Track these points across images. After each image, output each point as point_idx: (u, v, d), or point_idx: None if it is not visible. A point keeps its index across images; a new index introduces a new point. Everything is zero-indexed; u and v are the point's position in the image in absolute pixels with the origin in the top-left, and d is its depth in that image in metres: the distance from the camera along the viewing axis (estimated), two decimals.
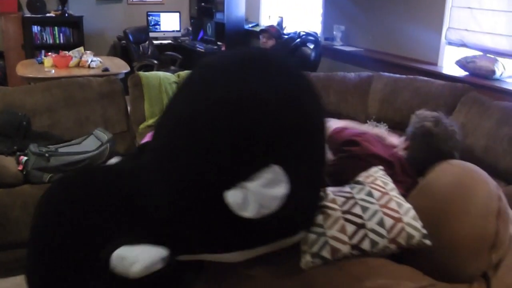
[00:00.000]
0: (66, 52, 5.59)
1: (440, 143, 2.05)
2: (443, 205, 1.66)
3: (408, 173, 2.02)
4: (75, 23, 7.07)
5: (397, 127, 3.39)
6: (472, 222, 1.58)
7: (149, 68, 6.06)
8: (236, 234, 1.38)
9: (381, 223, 1.60)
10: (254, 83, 1.34)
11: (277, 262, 1.66)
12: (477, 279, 1.58)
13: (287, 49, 5.15)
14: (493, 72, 3.65)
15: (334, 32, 5.44)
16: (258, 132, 1.28)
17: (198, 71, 1.48)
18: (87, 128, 3.49)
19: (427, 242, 1.61)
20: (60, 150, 3.14)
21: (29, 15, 6.81)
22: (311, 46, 5.09)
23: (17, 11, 6.78)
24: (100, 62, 5.47)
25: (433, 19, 4.34)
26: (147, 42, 7.02)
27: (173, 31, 7.83)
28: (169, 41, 7.71)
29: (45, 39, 7.00)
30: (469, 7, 4.02)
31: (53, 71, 5.14)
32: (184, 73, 4.22)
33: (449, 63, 4.26)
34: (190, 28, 8.05)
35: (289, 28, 6.27)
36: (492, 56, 3.79)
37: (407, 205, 1.69)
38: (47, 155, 3.00)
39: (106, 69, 5.25)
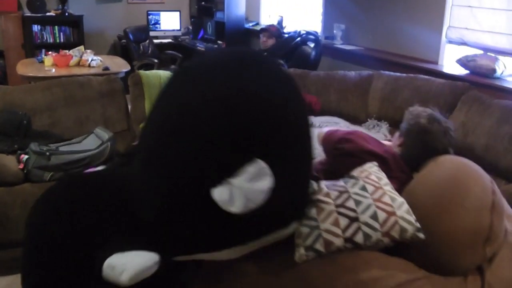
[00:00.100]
0: (66, 51, 5.59)
1: (435, 140, 2.05)
2: (437, 200, 1.66)
3: (402, 169, 2.02)
4: (75, 22, 7.07)
5: (397, 125, 3.37)
6: (466, 215, 1.59)
7: (149, 67, 6.06)
8: (227, 231, 1.39)
9: (374, 217, 1.61)
10: (235, 81, 1.36)
11: (272, 257, 1.67)
12: (471, 272, 1.60)
13: (287, 48, 5.16)
14: (494, 70, 3.65)
15: (335, 31, 5.44)
16: (241, 128, 1.30)
17: (179, 72, 1.50)
18: (87, 127, 3.49)
19: (421, 235, 1.62)
20: (61, 148, 3.14)
21: (29, 14, 6.81)
22: (312, 45, 5.09)
23: (17, 10, 6.78)
24: (101, 61, 5.47)
25: (433, 17, 4.33)
26: (147, 41, 7.02)
27: (173, 30, 7.83)
28: (169, 40, 7.71)
29: (45, 38, 7.00)
30: (469, 6, 4.02)
31: (53, 70, 5.14)
32: None
33: (450, 62, 4.26)
34: (190, 27, 8.05)
35: (289, 27, 6.26)
36: (492, 55, 3.79)
37: (400, 199, 1.70)
38: (47, 153, 3.00)
39: (106, 68, 5.25)
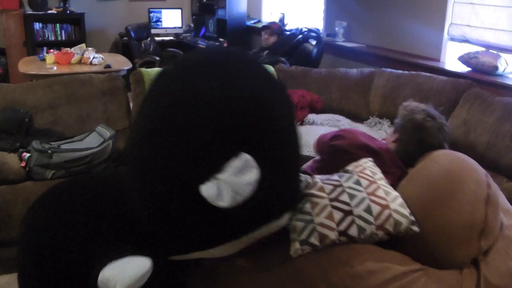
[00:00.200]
0: (68, 49, 5.59)
1: (430, 136, 2.05)
2: (432, 193, 1.67)
3: (397, 164, 2.02)
4: (77, 20, 7.07)
5: None
6: (461, 209, 1.60)
7: (151, 64, 6.06)
8: (220, 226, 1.40)
9: (368, 210, 1.62)
10: (217, 79, 1.38)
11: (268, 253, 1.69)
12: (467, 265, 1.60)
13: (289, 46, 5.15)
14: (496, 67, 3.64)
15: (336, 28, 5.43)
16: (224, 124, 1.32)
17: (162, 73, 1.51)
18: (89, 125, 3.49)
19: (415, 228, 1.62)
20: (63, 146, 3.14)
21: (30, 12, 6.81)
22: (313, 42, 5.08)
23: (19, 8, 6.78)
24: (102, 59, 5.47)
25: (435, 15, 4.32)
26: (148, 39, 7.02)
27: (175, 27, 7.83)
28: (171, 38, 7.71)
29: (46, 36, 7.00)
30: (471, 3, 4.01)
31: (55, 68, 5.14)
32: None
33: (452, 59, 4.25)
34: (192, 25, 8.05)
35: (291, 24, 6.26)
36: (494, 52, 3.78)
37: (394, 193, 1.71)
38: (49, 151, 3.00)
39: (108, 66, 5.25)
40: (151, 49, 6.95)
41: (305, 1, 6.33)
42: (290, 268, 1.61)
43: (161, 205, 1.39)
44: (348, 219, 1.61)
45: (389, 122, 3.61)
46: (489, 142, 2.88)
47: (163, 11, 7.73)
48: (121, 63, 5.58)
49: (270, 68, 4.21)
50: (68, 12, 7.01)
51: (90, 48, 5.67)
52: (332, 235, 1.59)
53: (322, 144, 2.12)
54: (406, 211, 1.64)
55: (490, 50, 3.83)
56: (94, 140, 3.22)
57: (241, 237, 1.47)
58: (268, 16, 7.01)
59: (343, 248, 1.60)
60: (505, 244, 1.62)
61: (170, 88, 1.43)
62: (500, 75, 3.68)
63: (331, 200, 1.65)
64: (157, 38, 7.32)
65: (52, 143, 3.18)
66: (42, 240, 1.58)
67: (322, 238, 1.59)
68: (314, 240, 1.59)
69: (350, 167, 1.83)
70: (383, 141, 2.31)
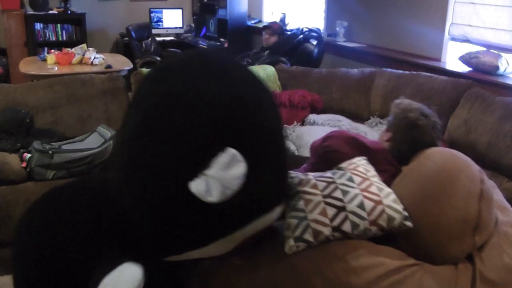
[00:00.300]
0: (69, 49, 5.60)
1: (424, 134, 2.04)
2: (426, 190, 1.68)
3: (390, 162, 2.02)
4: (78, 20, 7.08)
5: None
6: (454, 204, 1.60)
7: (151, 65, 6.05)
8: (211, 223, 1.42)
9: (361, 206, 1.63)
10: (203, 79, 1.42)
11: (263, 251, 1.71)
12: (462, 261, 1.61)
13: (289, 45, 5.15)
14: (497, 67, 3.64)
15: (337, 28, 5.43)
16: (209, 121, 1.35)
17: (148, 75, 1.54)
18: (89, 125, 3.50)
19: (408, 224, 1.63)
20: (64, 147, 3.14)
21: (31, 12, 6.82)
22: (314, 42, 5.08)
23: (20, 8, 6.78)
24: (103, 59, 5.48)
25: (436, 14, 4.32)
26: (149, 39, 7.02)
27: (176, 27, 7.83)
28: (172, 38, 7.71)
29: (47, 36, 7.00)
30: (472, 3, 4.01)
31: (55, 68, 5.14)
32: None
33: (452, 59, 4.25)
34: (193, 25, 8.05)
35: (292, 24, 6.25)
36: (495, 52, 3.78)
37: (387, 189, 1.72)
38: (50, 152, 3.01)
39: (108, 66, 5.25)
40: (152, 49, 6.95)
41: (306, 1, 6.33)
42: (285, 264, 1.62)
43: (151, 205, 1.40)
44: (342, 215, 1.62)
45: None
46: (489, 142, 2.88)
47: (164, 11, 7.73)
48: (122, 63, 5.59)
49: (271, 68, 4.21)
50: (69, 12, 7.01)
51: (91, 48, 5.68)
52: (326, 231, 1.60)
53: (316, 148, 2.13)
54: (399, 207, 1.65)
55: (491, 50, 3.83)
56: (95, 140, 3.22)
57: (233, 232, 1.48)
58: (269, 16, 7.01)
59: (337, 244, 1.61)
60: (500, 240, 1.63)
61: (155, 89, 1.45)
62: (501, 75, 3.68)
63: (324, 196, 1.66)
64: (158, 38, 7.32)
65: (53, 143, 3.18)
66: (40, 241, 1.59)
67: (316, 234, 1.60)
68: (308, 236, 1.60)
69: (343, 165, 1.84)
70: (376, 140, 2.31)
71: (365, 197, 1.65)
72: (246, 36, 7.00)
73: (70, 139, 3.31)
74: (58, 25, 7.02)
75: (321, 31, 5.45)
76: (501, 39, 3.81)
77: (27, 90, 3.51)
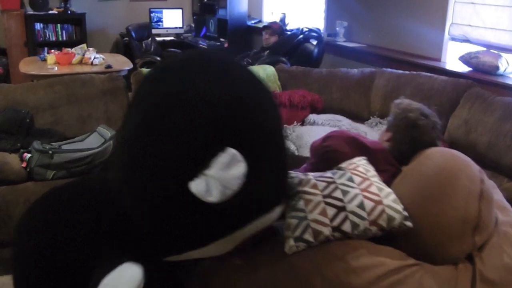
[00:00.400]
0: (69, 49, 5.60)
1: (424, 134, 2.04)
2: (426, 190, 1.68)
3: (391, 162, 2.02)
4: (78, 20, 7.07)
5: None
6: (454, 204, 1.60)
7: (151, 65, 6.05)
8: (212, 223, 1.42)
9: (361, 206, 1.63)
10: (202, 79, 1.42)
11: (264, 251, 1.71)
12: (462, 261, 1.61)
13: (289, 45, 5.15)
14: (497, 67, 3.64)
15: (337, 28, 5.43)
16: (209, 121, 1.35)
17: (148, 76, 1.55)
18: (89, 125, 3.50)
19: (408, 224, 1.63)
20: (64, 147, 3.14)
21: (31, 12, 6.81)
22: (314, 42, 5.08)
23: (20, 8, 6.78)
24: (103, 59, 5.48)
25: (436, 14, 4.32)
26: (149, 39, 7.02)
27: (176, 27, 7.83)
28: (172, 38, 7.71)
29: (47, 36, 7.00)
30: (472, 3, 4.01)
31: (55, 68, 5.14)
32: None
33: (452, 59, 4.25)
34: (193, 25, 8.05)
35: (292, 24, 6.25)
36: (495, 52, 3.78)
37: (387, 189, 1.72)
38: (50, 152, 3.01)
39: (108, 66, 5.25)
40: (152, 49, 6.95)
41: (306, 1, 6.33)
42: (285, 264, 1.62)
43: (151, 205, 1.40)
44: (342, 215, 1.62)
45: None
46: (490, 142, 2.88)
47: (164, 11, 7.73)
48: (122, 63, 5.59)
49: (271, 68, 4.21)
50: (69, 12, 7.01)
51: (91, 48, 5.67)
52: (326, 231, 1.60)
53: (316, 148, 2.13)
54: (399, 207, 1.65)
55: (491, 50, 3.83)
56: (95, 140, 3.22)
57: (233, 232, 1.48)
58: (269, 16, 7.01)
59: (338, 244, 1.61)
60: (500, 240, 1.63)
61: (155, 89, 1.45)
62: (501, 75, 3.68)
63: (324, 196, 1.66)
64: (158, 38, 7.32)
65: (53, 143, 3.18)
66: (40, 241, 1.59)
67: (316, 234, 1.60)
68: (308, 236, 1.60)
69: (343, 165, 1.84)
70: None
71: (365, 197, 1.65)
72: (246, 36, 7.00)
73: (70, 139, 3.31)
74: (58, 25, 7.01)
75: (321, 31, 5.45)
76: (501, 39, 3.81)
77: (27, 90, 3.51)
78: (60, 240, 1.57)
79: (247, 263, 1.70)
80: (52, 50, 5.72)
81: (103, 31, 7.55)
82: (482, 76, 3.68)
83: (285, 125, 3.67)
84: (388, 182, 1.80)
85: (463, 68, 3.94)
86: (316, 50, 5.02)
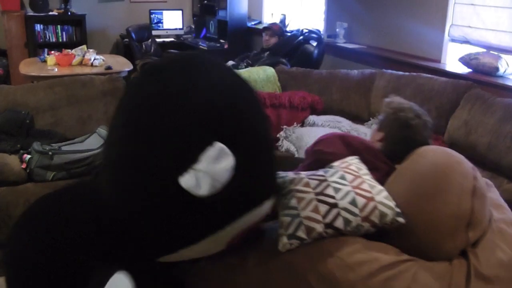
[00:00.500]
0: (69, 50, 5.60)
1: (417, 134, 2.05)
2: (419, 187, 1.68)
3: (383, 160, 2.03)
4: (78, 21, 7.08)
5: None
6: (447, 200, 1.61)
7: None
8: (202, 217, 1.44)
9: (353, 202, 1.64)
10: (189, 78, 1.47)
11: (259, 249, 1.73)
12: (456, 257, 1.61)
13: (290, 47, 5.15)
14: (497, 68, 3.64)
15: (337, 29, 5.44)
16: (197, 118, 1.39)
17: (136, 77, 1.61)
18: (89, 126, 3.50)
19: (401, 220, 1.64)
20: (63, 148, 3.14)
21: (31, 14, 6.82)
22: (314, 44, 5.08)
23: (20, 9, 6.79)
24: (103, 60, 5.47)
25: (436, 16, 4.33)
26: (149, 40, 7.03)
27: (176, 29, 7.83)
28: (172, 39, 7.71)
29: (47, 37, 7.01)
30: (472, 4, 4.01)
31: (56, 69, 5.14)
32: None
33: (452, 60, 4.25)
34: (193, 26, 8.05)
35: (292, 25, 6.26)
36: (495, 53, 3.78)
37: (379, 187, 1.73)
38: (50, 153, 3.01)
39: (108, 67, 5.25)
40: (152, 50, 6.95)
41: (306, 2, 6.34)
42: (279, 262, 1.64)
43: (142, 203, 1.42)
44: (334, 211, 1.63)
45: None
46: (490, 143, 2.88)
47: (164, 12, 7.73)
48: (122, 64, 5.59)
49: (271, 69, 4.22)
50: (69, 13, 7.02)
51: (91, 50, 5.67)
52: (319, 227, 1.61)
53: (308, 153, 2.15)
54: (391, 203, 1.66)
55: (491, 51, 3.83)
56: (94, 141, 3.22)
57: (224, 227, 1.49)
58: (269, 17, 7.01)
59: (331, 241, 1.62)
60: (494, 236, 1.64)
61: (142, 91, 1.49)
62: (501, 76, 3.68)
63: (317, 194, 1.67)
64: (158, 40, 7.33)
65: (53, 144, 3.18)
66: (38, 243, 1.60)
67: (309, 231, 1.61)
68: (301, 233, 1.61)
69: (335, 164, 1.86)
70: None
71: (357, 194, 1.67)
72: (246, 37, 7.00)
73: (70, 140, 3.31)
74: (58, 26, 7.02)
75: (321, 32, 5.45)
76: (501, 40, 3.81)
77: (27, 91, 3.51)
78: (58, 241, 1.58)
79: (242, 262, 1.72)
80: (52, 51, 5.72)
81: (103, 32, 7.56)
82: (482, 77, 3.68)
83: (285, 126, 3.67)
84: (381, 180, 1.81)
85: (463, 69, 3.94)
86: (316, 51, 5.03)
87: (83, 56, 5.45)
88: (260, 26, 6.52)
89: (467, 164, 1.71)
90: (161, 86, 1.45)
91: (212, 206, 1.41)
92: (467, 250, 1.61)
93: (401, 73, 3.77)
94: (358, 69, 4.13)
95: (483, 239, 1.63)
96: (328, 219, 1.62)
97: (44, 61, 5.41)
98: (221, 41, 7.09)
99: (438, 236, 1.61)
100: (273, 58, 4.95)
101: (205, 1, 7.53)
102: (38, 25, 6.89)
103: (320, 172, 1.81)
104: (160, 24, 7.71)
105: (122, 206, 1.47)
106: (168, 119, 1.39)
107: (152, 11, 7.63)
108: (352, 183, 1.71)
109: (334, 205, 1.64)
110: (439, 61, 4.32)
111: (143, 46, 6.89)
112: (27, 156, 3.01)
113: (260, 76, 4.09)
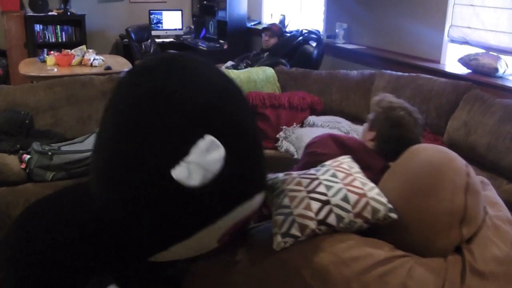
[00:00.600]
0: (69, 50, 5.60)
1: (408, 131, 2.06)
2: (413, 184, 1.69)
3: (376, 159, 2.03)
4: (77, 22, 7.08)
5: None
6: (440, 197, 1.62)
7: None
8: (194, 211, 1.47)
9: (345, 199, 1.66)
10: (177, 76, 1.52)
11: (254, 247, 1.75)
12: (451, 253, 1.62)
13: (289, 47, 5.16)
14: (496, 69, 3.65)
15: (337, 30, 5.44)
16: (187, 113, 1.44)
17: (124, 77, 1.64)
18: (89, 126, 3.50)
19: (393, 215, 1.65)
20: (63, 148, 3.14)
21: (31, 14, 6.82)
22: (314, 44, 5.08)
23: (20, 9, 6.79)
24: (102, 60, 5.48)
25: (435, 16, 4.33)
26: (149, 41, 7.03)
27: (175, 29, 7.84)
28: (171, 40, 7.72)
29: (47, 37, 7.01)
30: (471, 5, 4.01)
31: (55, 69, 5.15)
32: None
33: (452, 61, 4.25)
34: (192, 26, 8.06)
35: (292, 26, 6.26)
36: (494, 54, 3.79)
37: (371, 184, 1.74)
38: (50, 153, 3.01)
39: (108, 68, 5.25)
40: (151, 50, 6.96)
41: (306, 2, 6.34)
42: (275, 260, 1.65)
43: (135, 199, 1.44)
44: (326, 208, 1.64)
45: None
46: (489, 143, 2.88)
47: (164, 12, 7.73)
48: (121, 64, 5.59)
49: (270, 70, 4.22)
50: (68, 13, 7.02)
51: (90, 50, 5.67)
52: (312, 224, 1.62)
53: (302, 156, 2.17)
54: (383, 199, 1.67)
55: (490, 52, 3.84)
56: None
57: (216, 221, 1.51)
58: (269, 17, 7.02)
59: (326, 237, 1.64)
60: (490, 232, 1.64)
61: (131, 91, 1.53)
62: (500, 77, 3.69)
63: (309, 192, 1.69)
64: (157, 40, 7.33)
65: (53, 144, 3.18)
66: (29, 252, 1.62)
67: (303, 228, 1.62)
68: (295, 231, 1.63)
69: (327, 163, 1.88)
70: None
71: (349, 190, 1.68)
72: (245, 38, 7.01)
73: (69, 140, 3.31)
74: (58, 26, 7.02)
75: (321, 33, 5.46)
76: (500, 41, 3.82)
77: (27, 91, 3.51)
78: (55, 242, 1.59)
79: (239, 261, 1.74)
80: (52, 52, 5.72)
81: (103, 32, 7.56)
82: (481, 78, 3.68)
83: (284, 127, 3.68)
84: (374, 179, 1.82)
85: (463, 70, 3.94)
86: (315, 52, 5.03)
87: (83, 56, 5.46)
88: (260, 27, 6.52)
89: (460, 161, 1.72)
90: (150, 85, 1.49)
91: (205, 199, 1.44)
92: (462, 247, 1.62)
93: (400, 73, 3.77)
94: (358, 69, 4.13)
95: (478, 235, 1.64)
96: (321, 216, 1.63)
97: (44, 61, 5.41)
98: (221, 41, 7.09)
99: (432, 232, 1.62)
100: (273, 58, 4.96)
101: (205, 2, 7.53)
102: (38, 25, 6.89)
103: (312, 171, 1.83)
104: (159, 25, 7.71)
105: (114, 204, 1.49)
106: (158, 116, 1.43)
107: (151, 11, 7.64)
108: (344, 180, 1.73)
109: (326, 202, 1.65)
110: (438, 62, 4.33)
111: (143, 46, 6.89)
112: (26, 156, 3.01)
113: (260, 76, 4.09)
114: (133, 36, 6.71)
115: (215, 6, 7.16)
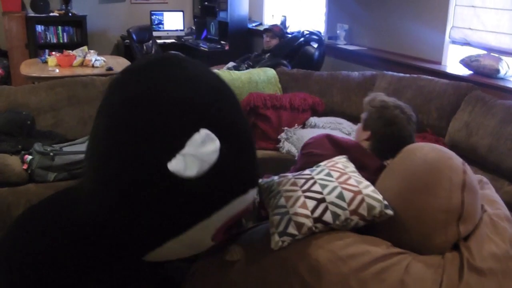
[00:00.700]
0: (70, 51, 5.61)
1: (402, 130, 2.06)
2: (411, 183, 1.70)
3: (372, 159, 2.04)
4: (79, 22, 7.08)
5: None
6: (437, 195, 1.63)
7: None
8: (189, 204, 1.49)
9: (340, 197, 1.68)
10: (170, 73, 1.57)
11: (253, 247, 1.78)
12: (448, 251, 1.63)
13: (290, 48, 5.16)
14: (497, 71, 3.65)
15: (338, 31, 5.44)
16: (181, 109, 1.48)
17: (118, 76, 1.68)
18: (90, 127, 3.47)
19: (389, 212, 1.67)
20: (65, 149, 3.15)
21: (32, 15, 6.83)
22: (315, 45, 5.09)
23: (21, 10, 6.79)
24: (104, 61, 5.48)
25: (437, 17, 4.33)
26: (150, 41, 7.03)
27: (177, 30, 7.84)
28: (173, 40, 7.72)
29: (48, 38, 7.01)
30: (472, 6, 4.01)
31: (57, 70, 5.15)
32: None
33: (453, 62, 4.25)
34: (194, 27, 8.06)
35: (293, 27, 6.26)
36: (496, 55, 3.78)
37: (366, 182, 1.76)
38: (51, 154, 3.01)
39: (109, 68, 5.26)
40: (152, 51, 6.95)
41: (307, 3, 6.34)
42: (273, 259, 1.67)
43: (130, 193, 1.46)
44: (322, 206, 1.66)
45: None
46: (490, 145, 2.88)
47: (165, 13, 7.74)
48: (122, 65, 5.57)
49: (272, 71, 4.22)
50: (70, 14, 7.02)
51: (92, 51, 5.68)
52: (308, 222, 1.64)
53: (298, 157, 2.18)
54: (378, 196, 1.69)
55: (492, 53, 3.84)
56: None
57: (211, 215, 1.53)
58: (270, 18, 7.02)
59: (323, 235, 1.66)
60: (488, 230, 1.65)
61: (124, 91, 1.56)
62: (502, 78, 3.69)
63: (304, 191, 1.72)
64: (158, 41, 7.33)
65: (54, 145, 3.18)
66: (24, 259, 1.62)
67: (299, 226, 1.64)
68: (292, 229, 1.65)
69: (322, 163, 1.90)
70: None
71: (344, 188, 1.70)
72: (247, 39, 7.01)
73: (71, 141, 3.32)
74: (59, 27, 7.02)
75: (322, 34, 5.46)
76: (501, 42, 3.82)
77: (28, 92, 3.51)
78: (54, 243, 1.60)
79: (238, 261, 1.76)
80: (53, 52, 5.72)
81: (104, 33, 7.56)
82: (482, 79, 3.68)
83: (286, 128, 3.68)
84: (370, 178, 1.84)
85: (464, 71, 3.94)
86: (317, 53, 5.03)
87: (84, 57, 5.46)
88: (261, 28, 6.52)
89: (457, 159, 1.73)
90: (144, 83, 1.53)
91: (201, 192, 1.47)
92: (459, 244, 1.63)
93: (401, 74, 3.77)
94: (359, 70, 4.13)
95: (475, 232, 1.65)
96: (317, 213, 1.65)
97: (45, 62, 5.42)
98: (222, 42, 7.09)
99: (430, 230, 1.63)
100: (274, 59, 4.96)
101: (206, 3, 7.53)
102: (39, 26, 6.89)
103: (306, 171, 1.85)
104: (161, 25, 7.72)
105: (110, 201, 1.50)
106: (152, 113, 1.46)
107: (152, 12, 7.64)
108: (339, 179, 1.75)
109: (321, 200, 1.67)
110: (439, 63, 4.33)
111: (144, 47, 6.89)
112: (28, 157, 3.02)
113: (261, 77, 4.09)
114: (134, 37, 6.71)
115: (216, 7, 7.16)
